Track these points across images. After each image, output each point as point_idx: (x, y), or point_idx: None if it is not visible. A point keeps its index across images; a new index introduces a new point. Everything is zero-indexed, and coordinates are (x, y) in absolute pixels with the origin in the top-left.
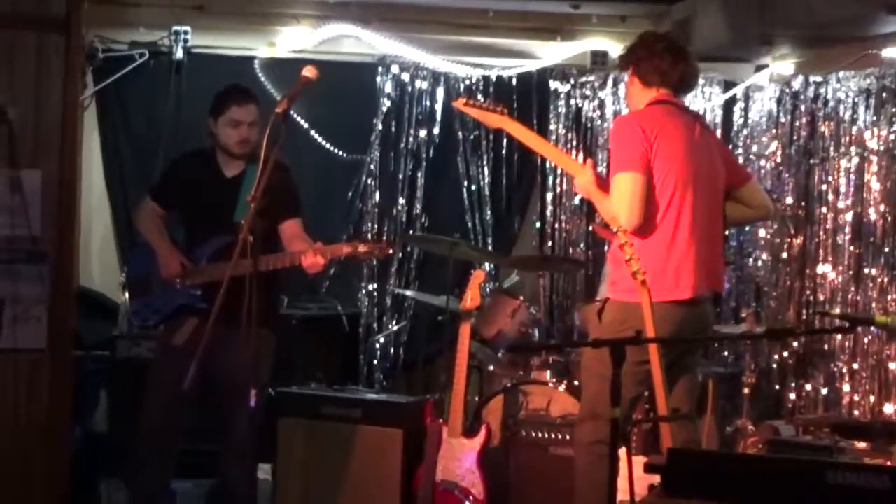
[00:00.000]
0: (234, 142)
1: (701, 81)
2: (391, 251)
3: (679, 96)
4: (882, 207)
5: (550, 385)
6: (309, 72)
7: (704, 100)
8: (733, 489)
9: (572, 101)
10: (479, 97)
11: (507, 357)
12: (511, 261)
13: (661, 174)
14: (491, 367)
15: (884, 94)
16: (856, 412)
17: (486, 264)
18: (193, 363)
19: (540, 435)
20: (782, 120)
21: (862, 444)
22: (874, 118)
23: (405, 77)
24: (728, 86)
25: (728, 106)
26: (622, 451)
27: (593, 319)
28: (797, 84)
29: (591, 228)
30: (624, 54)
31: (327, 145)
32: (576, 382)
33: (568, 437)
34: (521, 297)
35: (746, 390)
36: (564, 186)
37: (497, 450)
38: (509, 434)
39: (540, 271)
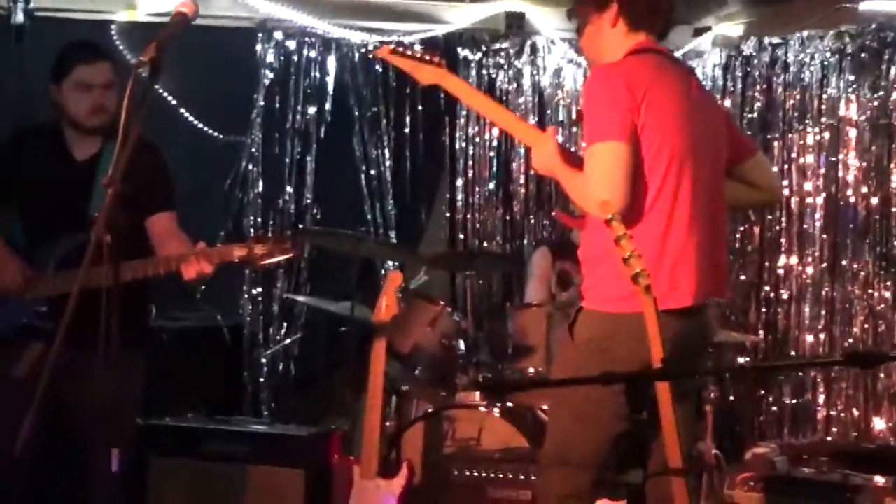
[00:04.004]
0: (86, 110)
1: None
2: (295, 253)
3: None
4: (863, 189)
5: (482, 409)
6: (185, 7)
7: None
8: None
9: (484, 72)
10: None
11: (426, 374)
12: (430, 259)
13: (652, 145)
14: (406, 388)
15: (862, 56)
16: (834, 429)
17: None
18: (29, 415)
19: (475, 473)
20: (731, 89)
21: (880, 479)
22: (852, 84)
23: (290, 44)
24: None
25: None
26: None
27: (548, 332)
28: (749, 48)
29: (552, 215)
30: None
31: (200, 125)
32: (509, 404)
33: (510, 476)
34: (442, 303)
35: (708, 407)
36: (477, 171)
37: (420, 492)
38: (436, 473)
39: (466, 271)
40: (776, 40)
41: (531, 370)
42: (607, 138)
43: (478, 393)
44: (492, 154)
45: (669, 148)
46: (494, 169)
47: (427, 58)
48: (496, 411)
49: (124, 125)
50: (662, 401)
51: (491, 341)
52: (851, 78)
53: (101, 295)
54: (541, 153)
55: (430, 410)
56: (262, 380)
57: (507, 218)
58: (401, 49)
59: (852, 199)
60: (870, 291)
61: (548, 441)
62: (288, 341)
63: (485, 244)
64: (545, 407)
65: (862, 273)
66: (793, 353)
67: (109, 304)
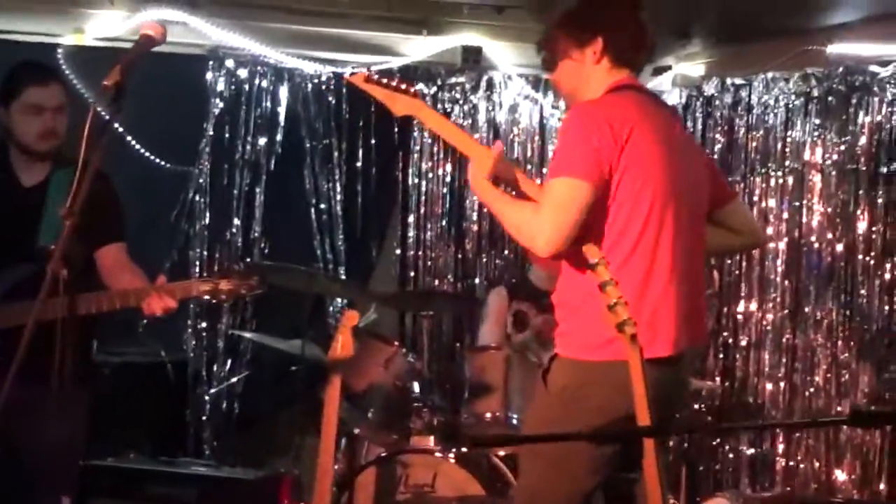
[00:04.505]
0: (36, 134)
1: None
2: (261, 286)
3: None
4: (828, 235)
5: (437, 455)
6: (151, 29)
7: None
8: None
9: (439, 106)
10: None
11: (379, 417)
12: (386, 297)
13: (634, 187)
14: (357, 430)
15: (829, 99)
16: (794, 481)
17: (339, 300)
18: None
19: None
20: (691, 130)
21: None
22: (818, 128)
23: (242, 73)
24: None
25: None
26: None
27: (506, 374)
28: (711, 88)
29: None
30: (586, 18)
31: (146, 154)
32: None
33: None
34: (397, 343)
35: (670, 456)
36: (429, 207)
37: None
38: None
39: (423, 311)
40: (739, 81)
41: (488, 414)
42: (572, 175)
43: (432, 437)
44: (445, 190)
45: (651, 191)
46: (447, 206)
47: (403, 87)
48: (451, 457)
49: (86, 151)
50: (648, 456)
51: (445, 383)
52: (817, 121)
53: (51, 329)
54: (473, 170)
55: (383, 454)
56: (204, 418)
57: (460, 256)
58: (376, 77)
59: (816, 245)
60: (834, 339)
61: (518, 494)
62: (234, 380)
63: (436, 282)
64: (501, 453)
65: (825, 321)
66: (751, 399)
67: (64, 339)
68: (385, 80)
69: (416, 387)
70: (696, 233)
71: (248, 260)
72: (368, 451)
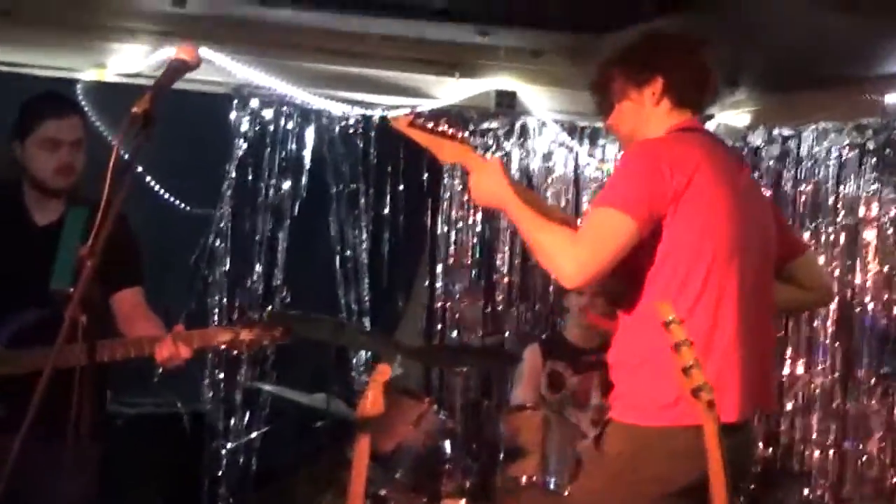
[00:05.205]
0: (53, 169)
1: None
2: (285, 337)
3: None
4: (885, 295)
5: None
6: (185, 53)
7: None
8: None
9: None
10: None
11: (408, 478)
12: (418, 352)
13: (694, 234)
14: (383, 492)
15: (886, 152)
16: None
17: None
18: None
19: None
20: None
21: None
22: (873, 182)
23: (266, 113)
24: None
25: None
26: None
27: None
28: (757, 138)
29: (558, 312)
30: (644, 56)
31: (166, 195)
32: None
33: None
34: (428, 399)
35: None
36: (458, 257)
37: None
38: None
39: (459, 367)
40: (787, 131)
41: (525, 478)
42: (619, 208)
43: (463, 501)
44: (475, 240)
45: (715, 239)
46: (477, 256)
47: (450, 133)
48: None
49: (110, 185)
50: None
51: (474, 443)
52: (873, 175)
53: (67, 378)
54: (485, 179)
55: None
56: (220, 473)
57: (489, 309)
58: (420, 121)
59: (871, 306)
60: (889, 405)
61: None
62: (254, 434)
63: (464, 336)
64: None
65: (879, 386)
66: (797, 466)
67: (82, 389)
68: (430, 125)
69: (448, 446)
70: (763, 286)
71: (271, 308)
72: None
